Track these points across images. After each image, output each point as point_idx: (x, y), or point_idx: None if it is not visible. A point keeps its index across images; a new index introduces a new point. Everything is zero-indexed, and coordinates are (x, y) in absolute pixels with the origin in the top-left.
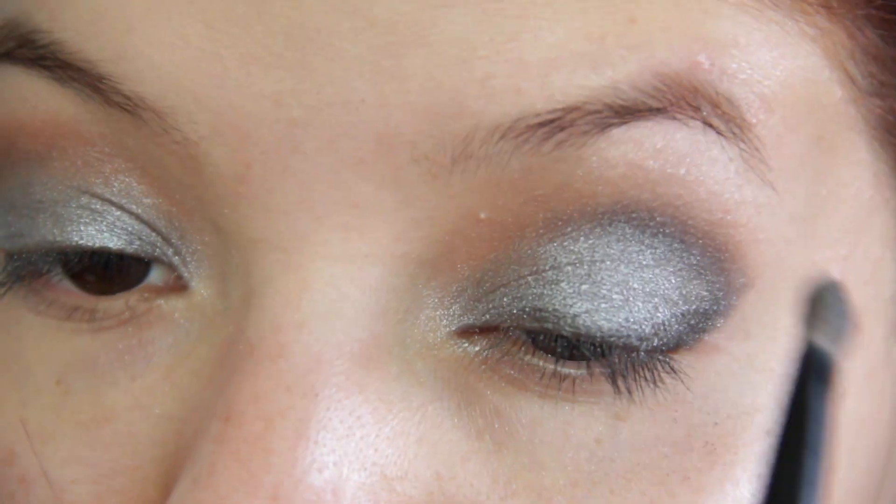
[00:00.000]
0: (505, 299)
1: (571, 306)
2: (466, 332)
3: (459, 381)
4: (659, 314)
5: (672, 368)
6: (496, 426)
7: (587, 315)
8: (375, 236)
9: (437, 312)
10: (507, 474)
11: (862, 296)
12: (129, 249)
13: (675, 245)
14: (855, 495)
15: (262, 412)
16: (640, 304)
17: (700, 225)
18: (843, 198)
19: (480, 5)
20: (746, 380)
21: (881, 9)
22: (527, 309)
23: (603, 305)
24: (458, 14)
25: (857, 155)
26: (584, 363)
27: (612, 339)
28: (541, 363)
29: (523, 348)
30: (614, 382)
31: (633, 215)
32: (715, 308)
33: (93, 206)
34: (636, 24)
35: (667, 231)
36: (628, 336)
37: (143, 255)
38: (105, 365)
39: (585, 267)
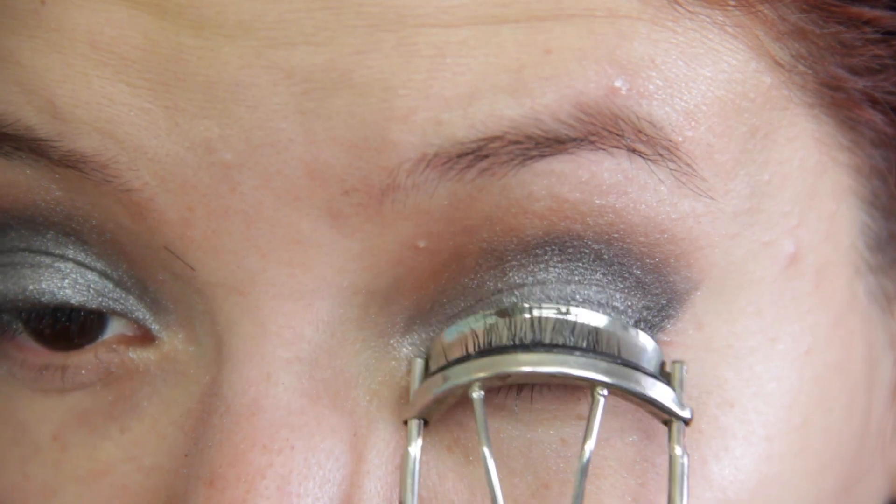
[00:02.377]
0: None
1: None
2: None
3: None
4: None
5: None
6: (462, 439)
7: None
8: (319, 271)
9: (394, 340)
10: (481, 483)
11: (821, 254)
12: (91, 304)
13: (614, 268)
14: (836, 440)
15: (243, 474)
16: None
17: (637, 248)
18: (787, 174)
19: (396, 49)
20: (703, 362)
21: None
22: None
23: None
24: (375, 59)
25: (795, 130)
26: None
27: None
28: (499, 383)
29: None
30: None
31: (567, 245)
32: (662, 315)
33: (50, 263)
34: (552, 53)
35: (604, 257)
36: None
37: (104, 309)
38: (97, 419)
39: (526, 290)
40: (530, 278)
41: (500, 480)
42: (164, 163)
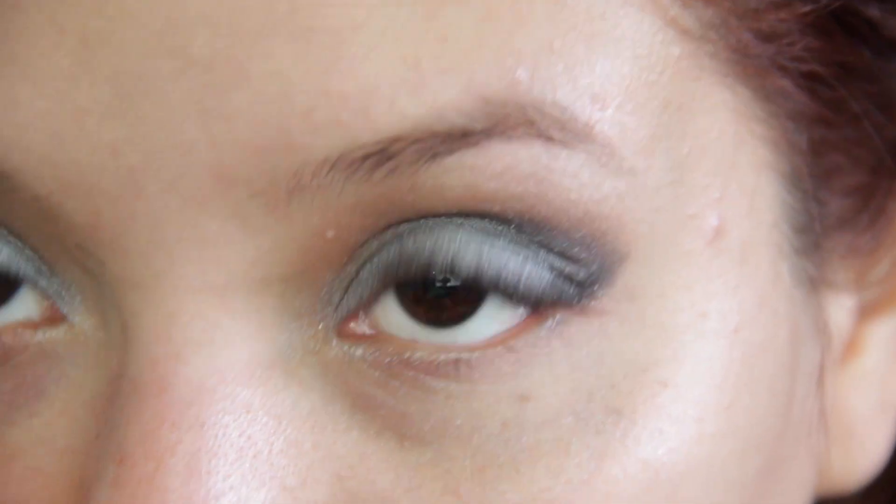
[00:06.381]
0: (371, 268)
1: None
2: (347, 335)
3: (350, 384)
4: (531, 272)
5: (563, 336)
6: (399, 425)
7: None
8: (231, 266)
9: (313, 318)
10: (411, 468)
11: (745, 229)
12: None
13: (537, 239)
14: (761, 420)
15: (152, 451)
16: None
17: (561, 225)
18: (705, 145)
19: (295, 37)
20: (637, 337)
21: None
22: (392, 262)
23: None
24: (275, 47)
25: (710, 101)
26: (478, 346)
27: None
28: (438, 356)
29: (406, 349)
30: (511, 351)
31: (484, 221)
32: (592, 279)
33: None
34: (448, 43)
35: (525, 232)
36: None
37: (12, 268)
38: (0, 406)
39: (446, 265)
40: (445, 243)
41: (436, 464)
42: (70, 170)
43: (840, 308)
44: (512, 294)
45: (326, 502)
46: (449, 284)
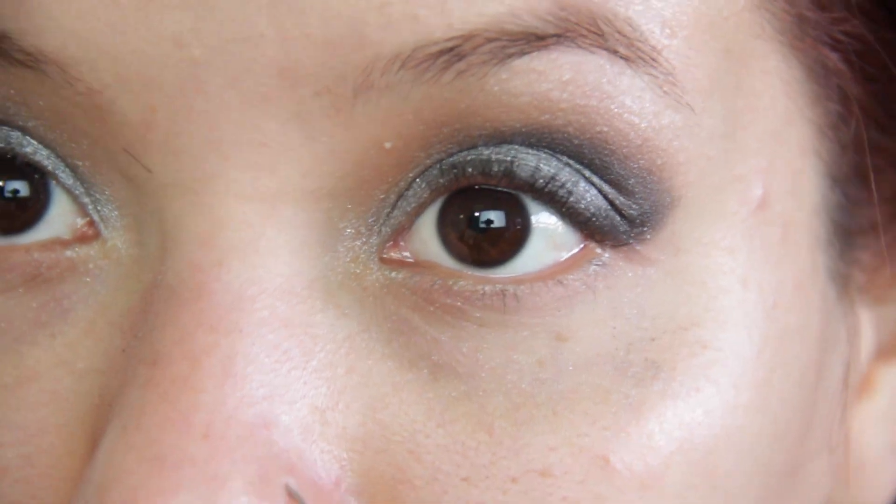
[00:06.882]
0: (423, 180)
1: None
2: (389, 261)
3: (388, 310)
4: (585, 191)
5: (608, 278)
6: (433, 357)
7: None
8: (284, 174)
9: (357, 243)
10: (444, 402)
11: (787, 208)
12: (42, 162)
13: (596, 163)
14: (790, 407)
15: (188, 352)
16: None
17: (619, 150)
18: (759, 109)
19: None
20: (680, 292)
21: None
22: (444, 166)
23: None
24: None
25: (767, 64)
26: (525, 279)
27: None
28: (482, 287)
29: (450, 277)
30: (560, 285)
31: (544, 137)
32: (643, 218)
33: None
34: None
35: (584, 153)
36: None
37: (50, 180)
38: (22, 325)
39: (505, 164)
40: (504, 157)
41: (469, 399)
42: (129, 62)
43: (863, 323)
44: (563, 205)
45: (356, 430)
46: (494, 225)
